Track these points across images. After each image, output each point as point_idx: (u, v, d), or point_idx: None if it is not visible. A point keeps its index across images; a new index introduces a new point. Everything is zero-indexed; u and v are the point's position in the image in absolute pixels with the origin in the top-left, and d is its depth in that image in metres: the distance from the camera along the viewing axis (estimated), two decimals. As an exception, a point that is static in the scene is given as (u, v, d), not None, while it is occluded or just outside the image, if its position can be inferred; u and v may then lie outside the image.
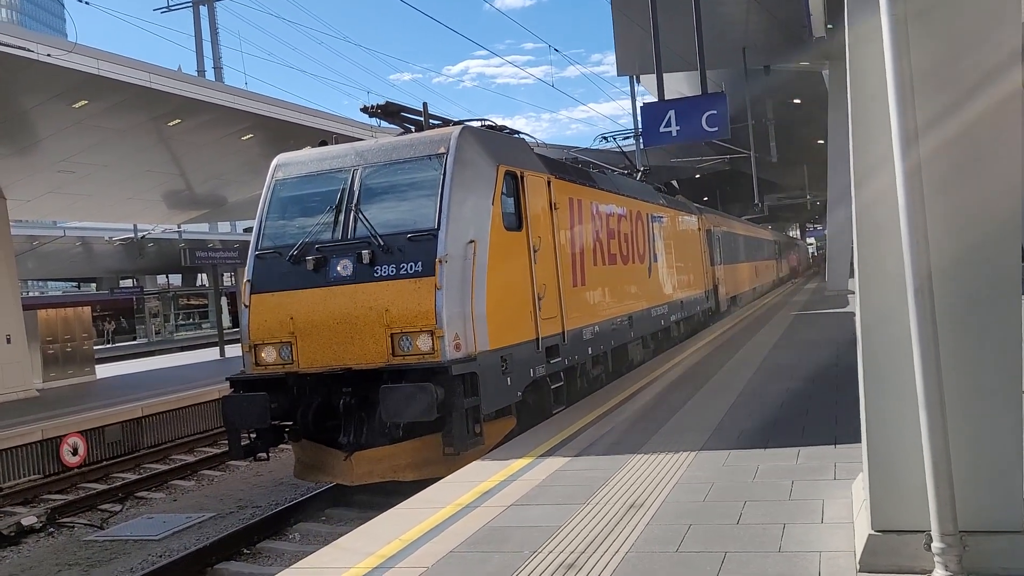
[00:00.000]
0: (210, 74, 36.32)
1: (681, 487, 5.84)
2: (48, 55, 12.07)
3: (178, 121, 15.91)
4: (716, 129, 11.22)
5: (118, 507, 10.97)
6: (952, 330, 3.75)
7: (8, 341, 18.19)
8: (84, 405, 15.44)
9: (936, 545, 3.66)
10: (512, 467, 6.94)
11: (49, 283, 60.53)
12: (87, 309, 23.32)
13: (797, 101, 34.75)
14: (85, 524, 10.21)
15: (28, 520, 9.97)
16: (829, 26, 21.80)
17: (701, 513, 5.20)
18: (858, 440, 4.18)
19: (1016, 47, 3.72)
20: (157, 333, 51.02)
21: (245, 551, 8.28)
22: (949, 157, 3.77)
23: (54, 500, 11.43)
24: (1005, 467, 3.78)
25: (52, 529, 10.03)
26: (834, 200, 28.19)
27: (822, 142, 32.15)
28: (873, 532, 3.95)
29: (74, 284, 60.17)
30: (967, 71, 3.76)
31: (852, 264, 4.61)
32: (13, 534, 9.69)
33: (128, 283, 55.28)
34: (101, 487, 12.04)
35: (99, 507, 10.99)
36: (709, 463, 6.45)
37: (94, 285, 55.65)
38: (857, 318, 4.10)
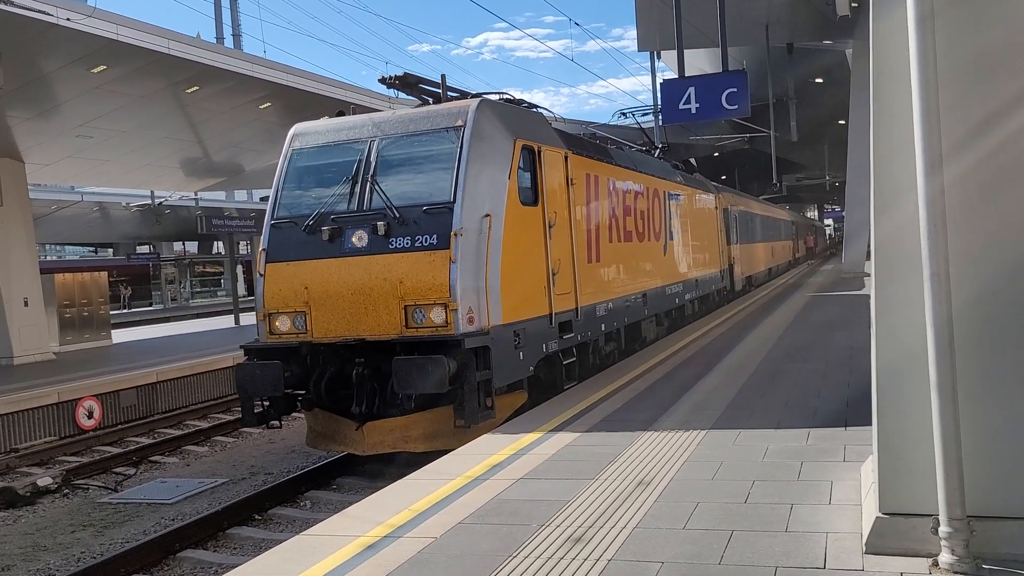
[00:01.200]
0: (229, 41, 36.30)
1: (690, 465, 5.86)
2: (68, 19, 12.07)
3: (196, 88, 15.90)
4: (736, 107, 11.11)
5: (132, 470, 11.12)
6: (967, 314, 3.73)
7: (26, 304, 18.38)
8: (100, 369, 15.62)
9: (943, 529, 3.66)
10: (522, 441, 6.98)
11: (67, 247, 61.02)
12: (104, 274, 23.51)
13: (819, 80, 34.35)
14: (99, 486, 10.36)
15: (44, 481, 10.13)
16: (854, 4, 21.48)
17: (709, 491, 5.22)
18: (869, 423, 4.17)
19: None
20: (173, 300, 51.46)
21: (257, 517, 8.39)
22: (972, 148, 3.73)
23: (69, 462, 11.60)
24: (1015, 453, 3.77)
25: (67, 490, 10.19)
26: (853, 180, 27.92)
27: (843, 122, 31.79)
28: (881, 515, 3.95)
29: (91, 249, 60.67)
30: (996, 60, 3.70)
31: (869, 246, 4.59)
32: (29, 494, 9.85)
33: (145, 249, 55.68)
34: (116, 450, 12.21)
35: (113, 470, 11.15)
36: (719, 442, 6.46)
37: (111, 250, 56.12)
38: (872, 300, 4.07)
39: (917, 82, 3.62)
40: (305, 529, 5.39)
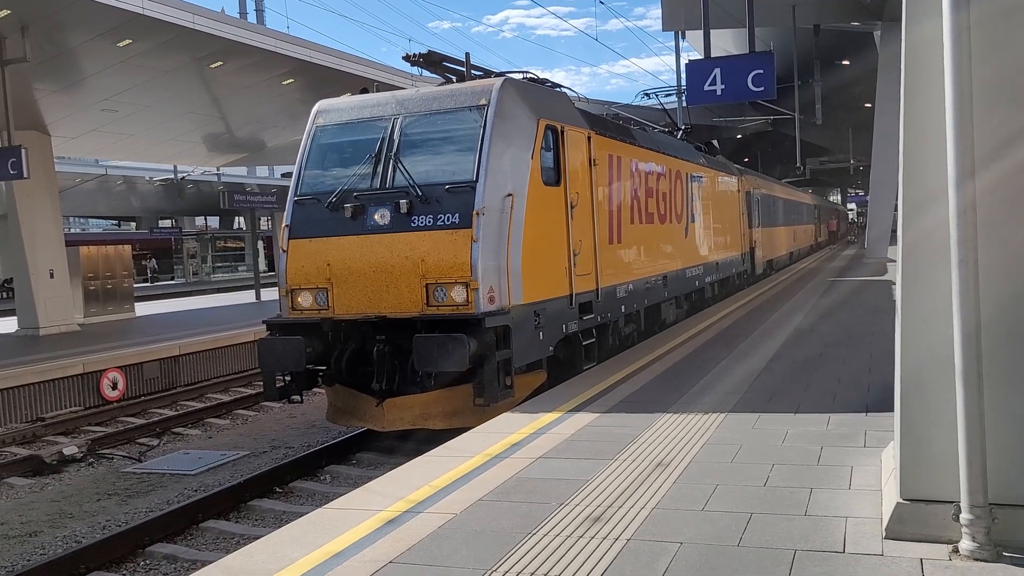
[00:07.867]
0: (252, 17, 36.30)
1: (709, 448, 5.88)
2: (94, -7, 12.13)
3: (220, 63, 15.96)
4: (762, 89, 10.92)
5: (155, 441, 11.28)
6: (994, 301, 3.70)
7: (51, 276, 18.62)
8: (124, 341, 15.82)
9: (965, 516, 3.66)
10: (541, 420, 7.02)
11: (90, 220, 61.59)
12: (127, 247, 23.73)
13: (846, 62, 33.88)
14: (124, 456, 10.52)
15: (69, 450, 10.30)
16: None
17: (728, 474, 5.23)
18: (889, 409, 4.17)
19: None
20: (194, 274, 51.90)
21: (278, 489, 8.50)
22: (1002, 137, 3.69)
23: (94, 432, 11.78)
24: (1040, 442, 3.76)
25: (92, 459, 10.36)
26: (878, 166, 27.59)
27: (869, 105, 31.38)
28: (901, 500, 3.96)
29: (114, 222, 61.20)
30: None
31: (893, 232, 4.54)
32: (55, 462, 10.03)
33: (167, 223, 56.11)
34: (139, 421, 12.39)
35: (137, 440, 11.32)
36: (738, 425, 6.47)
37: (134, 224, 56.60)
38: (897, 286, 4.05)
39: (951, 80, 3.57)
40: (326, 503, 5.46)
